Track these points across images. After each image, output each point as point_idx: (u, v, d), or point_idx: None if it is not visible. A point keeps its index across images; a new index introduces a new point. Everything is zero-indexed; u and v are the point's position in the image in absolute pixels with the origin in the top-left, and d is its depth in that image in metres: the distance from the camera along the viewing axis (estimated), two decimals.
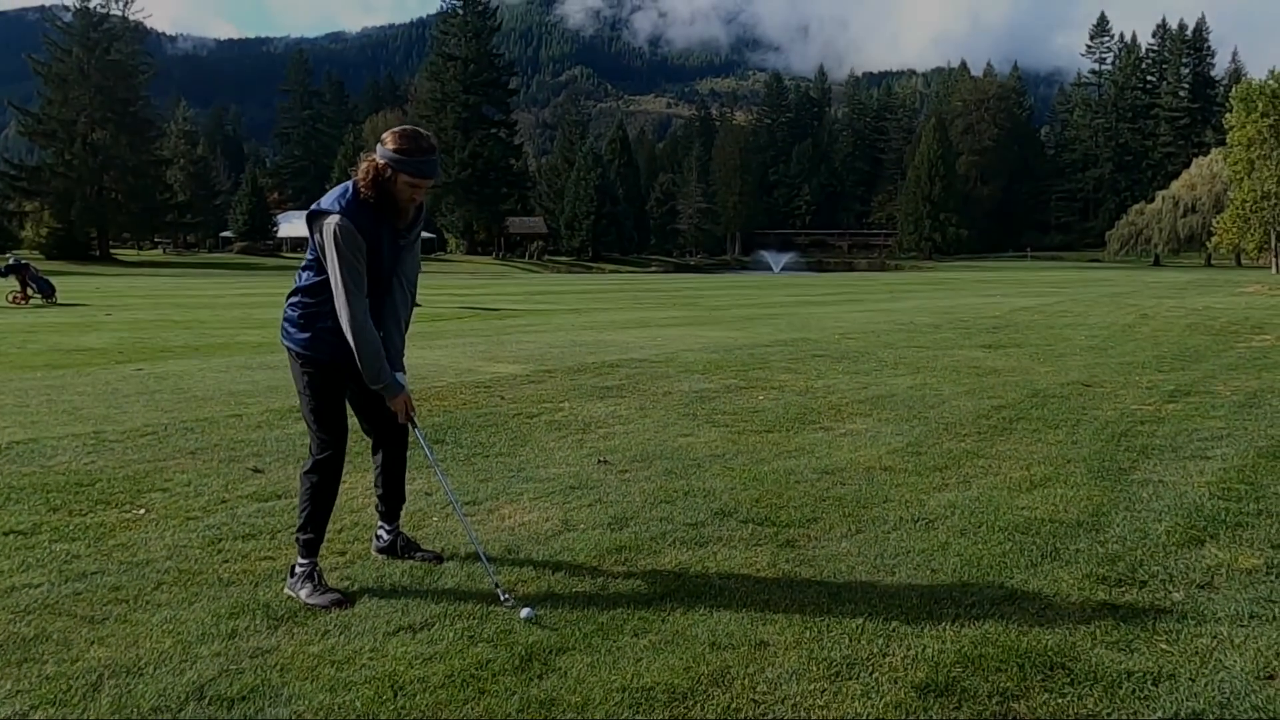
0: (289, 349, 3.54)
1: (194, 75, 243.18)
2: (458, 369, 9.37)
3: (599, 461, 5.39)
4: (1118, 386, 8.27)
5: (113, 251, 71.35)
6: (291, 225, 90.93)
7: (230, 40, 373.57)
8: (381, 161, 3.32)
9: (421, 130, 3.44)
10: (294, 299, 3.53)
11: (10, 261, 21.92)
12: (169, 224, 78.09)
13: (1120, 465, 5.24)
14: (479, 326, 15.58)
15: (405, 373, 3.57)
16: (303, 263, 3.56)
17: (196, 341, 12.89)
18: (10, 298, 21.24)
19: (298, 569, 3.36)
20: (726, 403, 7.42)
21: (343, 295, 3.29)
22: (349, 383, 3.54)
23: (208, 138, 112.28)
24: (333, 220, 3.31)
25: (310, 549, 3.41)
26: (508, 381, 8.46)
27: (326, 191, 3.61)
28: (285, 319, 3.57)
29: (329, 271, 3.33)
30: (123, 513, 4.32)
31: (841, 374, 9.11)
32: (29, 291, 21.43)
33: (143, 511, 4.34)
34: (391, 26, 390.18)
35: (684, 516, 4.26)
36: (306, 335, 3.46)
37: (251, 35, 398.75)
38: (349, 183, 3.43)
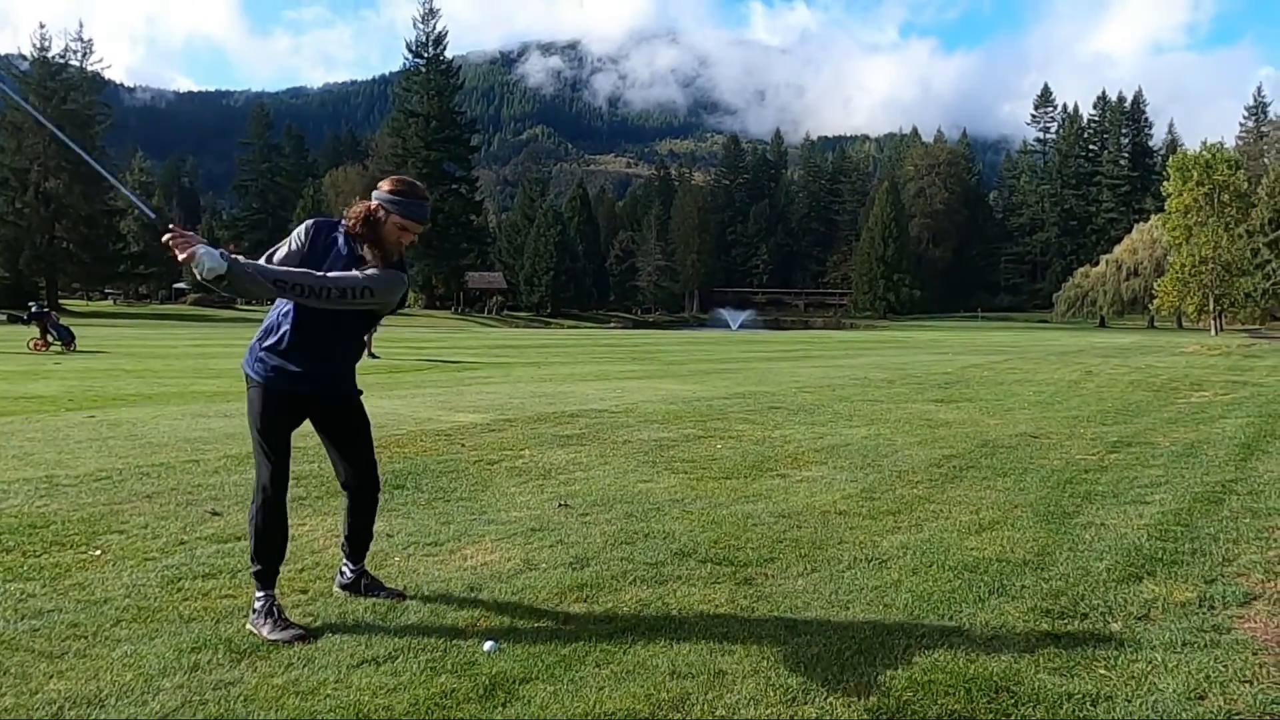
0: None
1: (152, 126, 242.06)
2: (417, 418, 9.38)
3: (559, 505, 5.45)
4: (1063, 437, 8.53)
5: (61, 302, 70.05)
6: None
7: (190, 92, 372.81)
8: (375, 203, 3.47)
9: (416, 181, 3.63)
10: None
11: (33, 309, 23.05)
12: (121, 275, 76.98)
13: (1065, 509, 5.42)
14: (438, 378, 15.57)
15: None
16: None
17: (149, 390, 12.73)
18: (31, 344, 22.16)
19: (256, 604, 3.38)
20: (685, 451, 7.53)
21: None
22: (294, 416, 3.59)
23: (164, 189, 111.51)
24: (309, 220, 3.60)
25: (262, 580, 3.43)
26: (468, 430, 8.49)
27: None
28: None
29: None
30: (79, 553, 4.29)
31: (798, 425, 9.28)
32: (49, 339, 22.30)
33: (99, 552, 4.30)
34: (353, 83, 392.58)
35: (644, 556, 4.33)
36: (250, 358, 3.57)
37: (211, 88, 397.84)
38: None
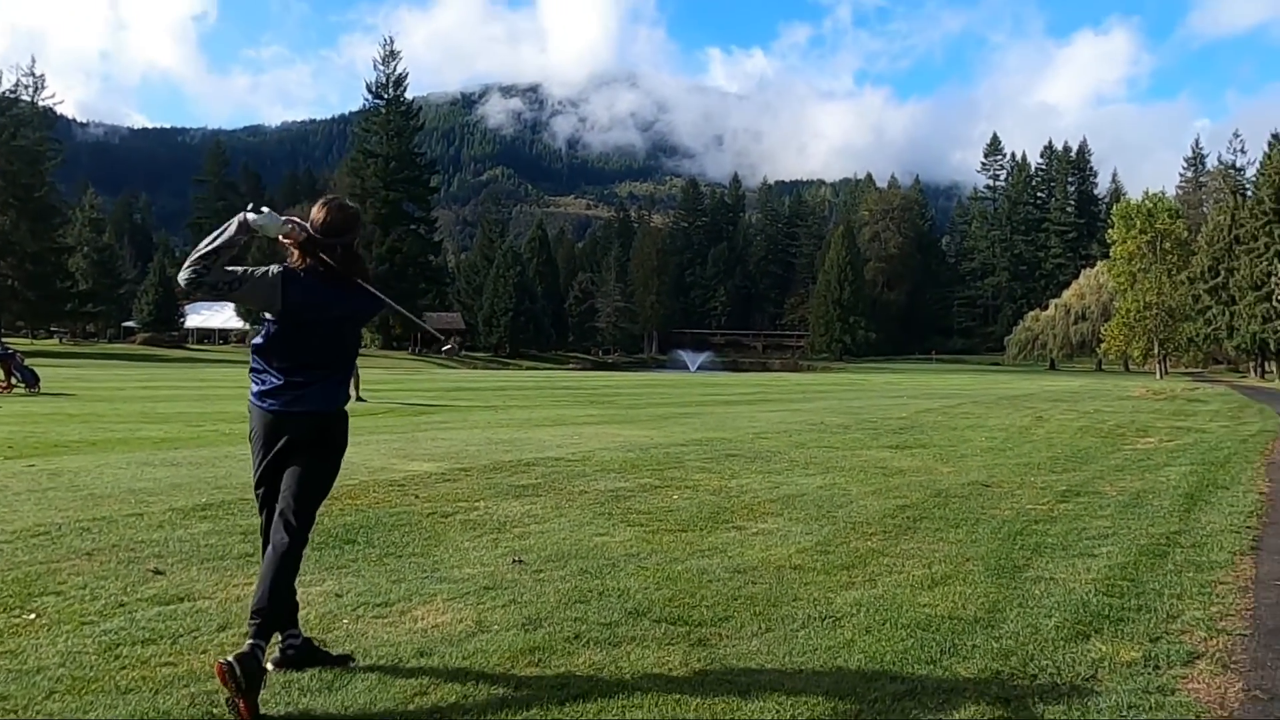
0: None
1: (104, 163, 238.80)
2: (371, 467, 9.25)
3: (513, 561, 5.39)
4: (1014, 486, 8.65)
5: (4, 340, 68.21)
6: (200, 317, 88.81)
7: (144, 129, 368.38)
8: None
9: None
10: None
11: None
12: (69, 313, 75.37)
13: (1015, 563, 5.48)
14: (394, 422, 15.39)
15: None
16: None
17: (94, 436, 12.41)
18: None
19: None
20: (642, 502, 7.51)
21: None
22: (269, 450, 3.70)
23: (115, 225, 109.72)
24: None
25: (254, 631, 3.36)
26: (422, 480, 8.39)
27: None
28: None
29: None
30: (11, 618, 4.14)
31: (755, 473, 9.31)
32: (13, 380, 21.41)
33: (33, 616, 4.15)
34: (312, 121, 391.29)
35: (598, 616, 4.29)
36: (250, 389, 3.79)
37: (167, 125, 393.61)
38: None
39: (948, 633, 4.06)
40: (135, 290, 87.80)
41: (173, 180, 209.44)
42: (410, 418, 16.96)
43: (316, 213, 3.72)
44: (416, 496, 7.51)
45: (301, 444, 3.74)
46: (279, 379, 3.71)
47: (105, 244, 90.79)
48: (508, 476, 8.69)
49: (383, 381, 35.11)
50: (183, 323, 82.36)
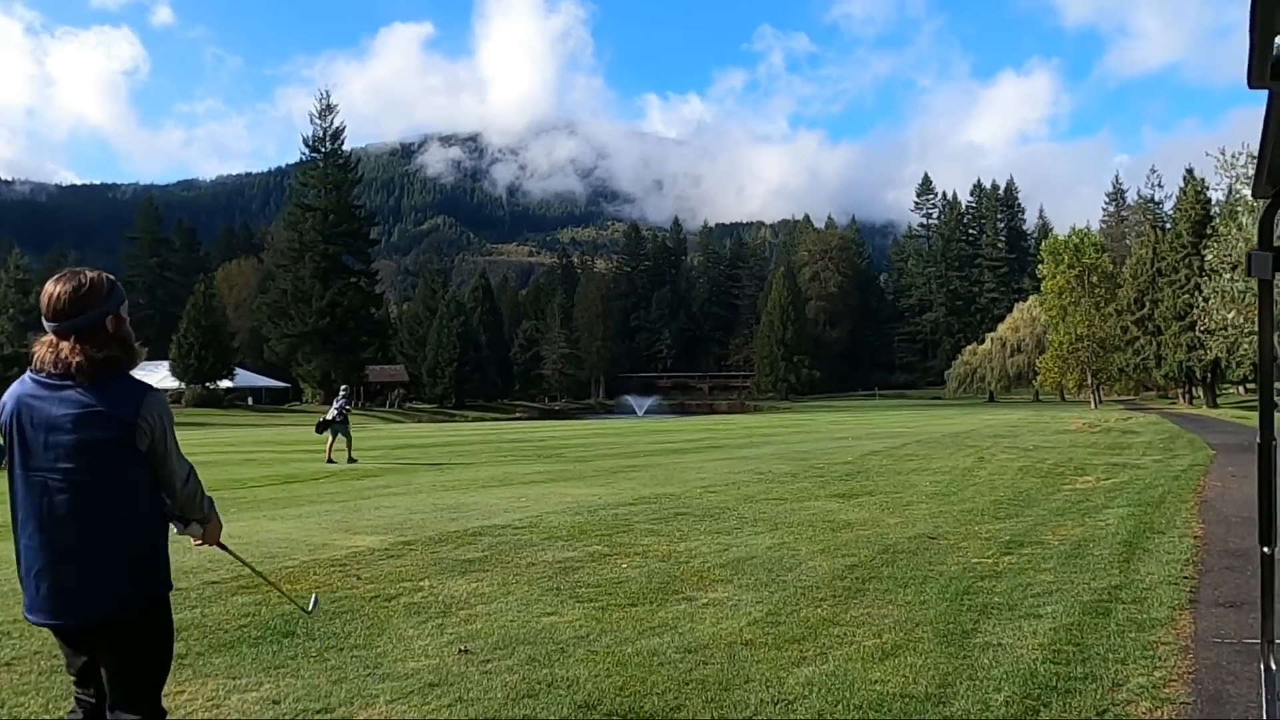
0: None
1: (32, 220, 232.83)
2: (311, 544, 9.00)
3: (460, 651, 5.26)
4: (960, 538, 8.74)
5: None
6: (137, 375, 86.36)
7: (73, 185, 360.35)
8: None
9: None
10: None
11: None
12: None
13: (964, 627, 5.51)
14: (335, 489, 15.05)
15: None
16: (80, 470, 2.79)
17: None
18: None
19: None
20: (591, 573, 7.41)
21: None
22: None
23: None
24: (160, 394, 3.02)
25: None
26: (365, 557, 8.18)
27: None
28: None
29: (168, 452, 2.94)
30: None
31: (703, 534, 9.27)
32: None
33: None
34: (248, 174, 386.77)
35: (548, 711, 4.19)
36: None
37: (97, 181, 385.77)
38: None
39: (900, 713, 4.04)
40: None
41: (104, 238, 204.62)
42: (353, 482, 16.60)
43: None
44: (359, 577, 7.31)
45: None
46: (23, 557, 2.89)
47: (32, 305, 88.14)
48: (453, 549, 8.52)
49: (324, 441, 34.42)
50: None
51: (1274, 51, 1.46)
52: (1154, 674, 4.44)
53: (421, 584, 7.07)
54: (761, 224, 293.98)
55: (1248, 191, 26.45)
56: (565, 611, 6.16)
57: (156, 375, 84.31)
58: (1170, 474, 14.39)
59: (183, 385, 77.33)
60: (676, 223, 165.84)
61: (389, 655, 5.22)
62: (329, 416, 21.63)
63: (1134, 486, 12.78)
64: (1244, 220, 26.46)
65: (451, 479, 16.63)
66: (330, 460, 20.92)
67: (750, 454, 22.58)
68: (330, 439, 21.29)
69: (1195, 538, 8.27)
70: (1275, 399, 2.04)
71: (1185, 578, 6.58)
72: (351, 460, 20.85)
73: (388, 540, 9.07)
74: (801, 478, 15.41)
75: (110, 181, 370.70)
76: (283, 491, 15.06)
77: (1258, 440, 2.04)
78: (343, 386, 25.11)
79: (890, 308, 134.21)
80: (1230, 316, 31.27)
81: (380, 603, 6.46)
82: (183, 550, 8.74)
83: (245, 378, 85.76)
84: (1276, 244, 2.03)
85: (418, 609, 6.30)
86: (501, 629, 5.74)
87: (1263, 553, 2.06)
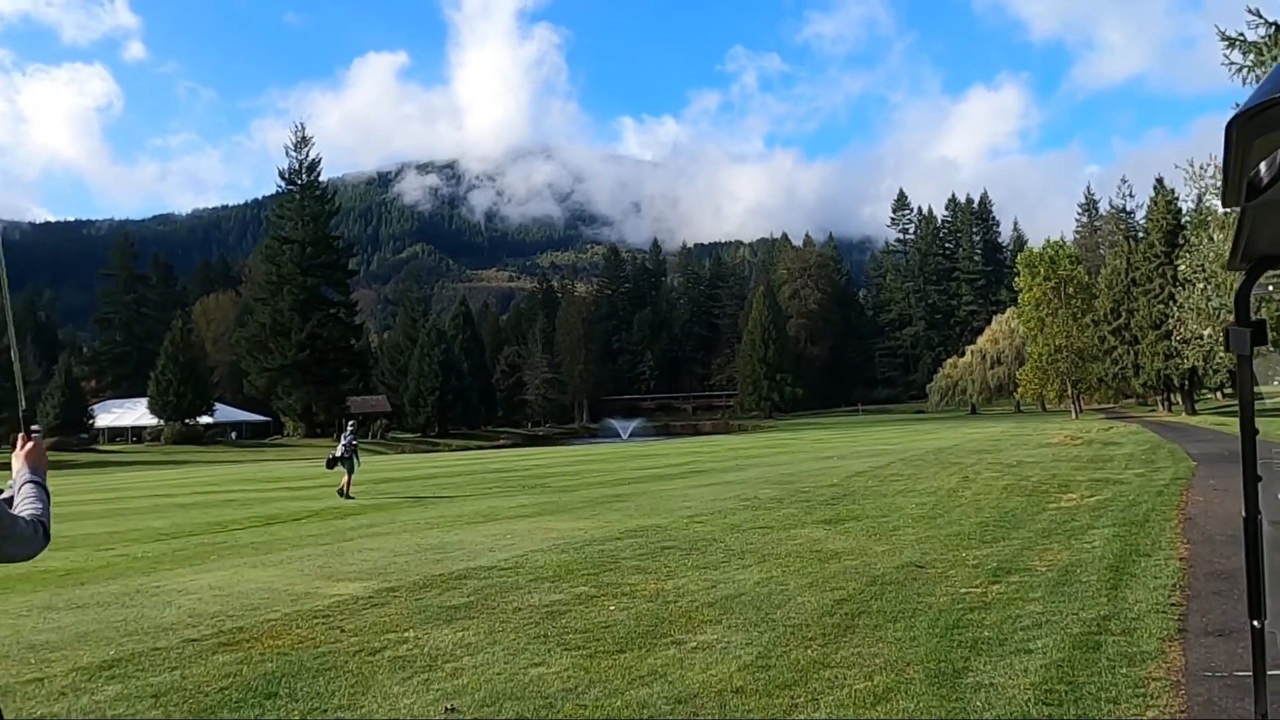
0: None
1: (6, 259, 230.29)
2: (293, 593, 8.87)
3: (446, 710, 5.17)
4: (947, 566, 8.72)
5: None
6: (112, 415, 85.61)
7: (46, 223, 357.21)
8: None
9: None
10: None
11: None
12: None
13: (954, 665, 5.47)
14: (318, 531, 14.86)
15: None
16: None
17: None
18: None
19: None
20: (578, 617, 7.32)
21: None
22: None
23: (18, 324, 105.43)
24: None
25: None
26: (349, 606, 8.06)
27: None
28: None
29: None
30: None
31: (691, 569, 9.20)
32: None
33: None
34: (225, 207, 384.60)
35: None
36: None
37: (71, 218, 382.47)
38: None
39: None
40: (40, 391, 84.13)
41: (79, 275, 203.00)
42: (336, 521, 16.41)
43: None
44: (342, 630, 7.19)
45: None
46: None
47: (6, 344, 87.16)
48: (438, 595, 8.41)
49: (307, 478, 34.14)
50: (92, 424, 78.87)
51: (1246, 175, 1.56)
52: (1146, 713, 4.41)
53: (406, 635, 6.96)
54: (740, 243, 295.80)
55: (1217, 202, 26.85)
56: (553, 661, 6.07)
57: (135, 413, 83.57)
58: (1153, 489, 14.45)
59: (161, 422, 76.56)
60: (655, 244, 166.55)
61: (375, 714, 5.12)
62: (338, 453, 21.67)
63: (1118, 504, 12.82)
64: (1215, 235, 26.87)
65: (436, 515, 16.47)
66: (349, 496, 20.77)
67: (736, 478, 22.53)
68: (346, 475, 21.21)
69: (1181, 559, 8.29)
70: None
71: (1173, 604, 6.57)
72: (348, 497, 20.62)
73: (371, 587, 8.95)
74: (788, 503, 15.37)
75: (85, 218, 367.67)
76: (264, 534, 14.87)
77: (1242, 514, 2.03)
78: (349, 421, 25.24)
79: (870, 323, 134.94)
80: (1207, 334, 31.72)
81: (364, 657, 6.35)
82: (161, 605, 8.60)
83: (225, 413, 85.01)
84: (1254, 317, 2.03)
85: (403, 663, 6.19)
86: (488, 683, 5.65)
87: (1253, 626, 2.04)
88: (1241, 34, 16.92)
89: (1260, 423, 2.12)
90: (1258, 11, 16.36)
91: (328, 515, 17.81)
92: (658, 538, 11.64)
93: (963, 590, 7.58)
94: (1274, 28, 16.40)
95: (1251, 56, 16.81)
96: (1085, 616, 6.39)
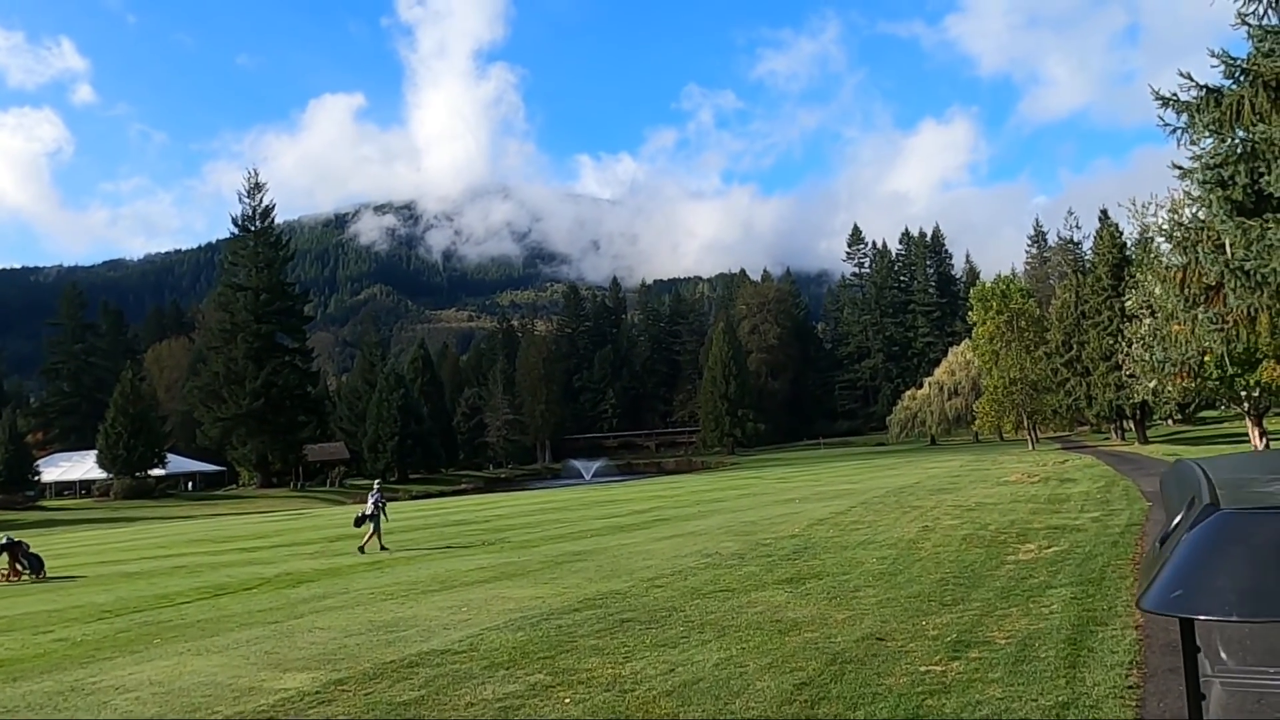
0: None
1: None
2: (237, 688, 8.53)
3: None
4: (907, 638, 8.64)
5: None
6: (59, 469, 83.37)
7: None
8: None
9: None
10: None
11: (3, 540, 22.23)
12: None
13: None
14: (268, 605, 14.42)
15: None
16: None
17: None
18: (2, 575, 21.46)
19: None
20: (532, 712, 7.10)
21: None
22: None
23: None
24: None
25: None
26: (294, 705, 7.76)
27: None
28: None
29: None
30: None
31: (649, 648, 9.02)
32: (19, 567, 21.52)
33: None
34: (178, 252, 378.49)
35: None
36: None
37: (17, 265, 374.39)
38: None
39: None
40: None
41: (25, 324, 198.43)
42: (287, 591, 15.97)
43: None
44: None
45: None
46: None
47: None
48: (388, 688, 8.14)
49: (261, 535, 33.43)
50: (38, 479, 76.55)
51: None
52: None
53: None
54: (699, 279, 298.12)
55: (1161, 239, 27.48)
56: None
57: (83, 466, 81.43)
58: (1109, 538, 14.56)
59: (111, 476, 74.61)
60: (615, 282, 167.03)
61: None
62: (367, 511, 22.81)
63: (1074, 556, 12.89)
64: (1156, 289, 27.60)
65: (390, 582, 16.09)
66: (362, 550, 22.04)
67: (698, 527, 22.39)
68: (370, 532, 22.48)
69: (1137, 628, 8.29)
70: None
71: (1129, 687, 6.53)
72: (384, 548, 22.16)
73: (320, 678, 8.65)
74: (749, 559, 15.26)
75: (32, 265, 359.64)
76: (211, 609, 14.40)
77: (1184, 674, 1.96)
78: (376, 481, 26.56)
79: (829, 356, 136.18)
80: (1153, 384, 32.60)
81: None
82: (96, 707, 8.20)
83: (178, 463, 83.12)
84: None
85: None
86: None
87: None
88: (1175, 94, 17.41)
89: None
90: (1189, 75, 16.90)
91: (280, 583, 17.34)
92: (617, 607, 11.44)
93: (922, 669, 7.49)
94: (1205, 90, 16.92)
95: (1185, 117, 17.30)
96: (1044, 703, 6.32)
